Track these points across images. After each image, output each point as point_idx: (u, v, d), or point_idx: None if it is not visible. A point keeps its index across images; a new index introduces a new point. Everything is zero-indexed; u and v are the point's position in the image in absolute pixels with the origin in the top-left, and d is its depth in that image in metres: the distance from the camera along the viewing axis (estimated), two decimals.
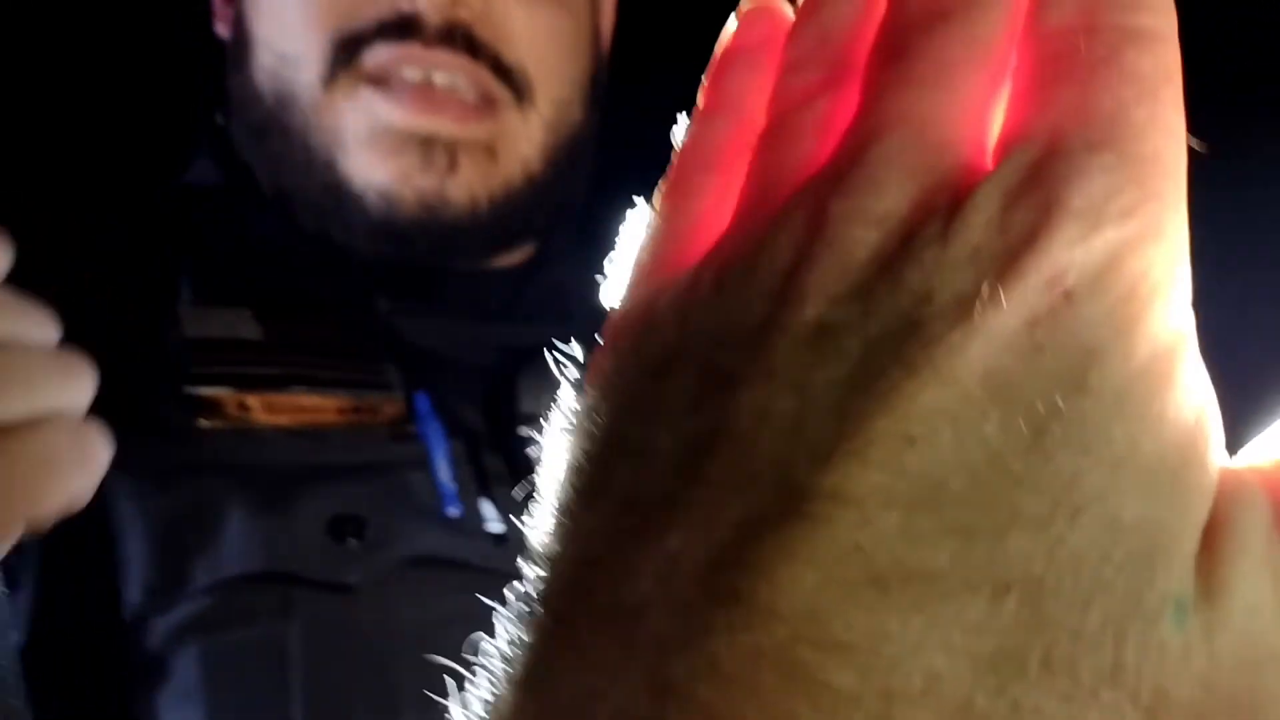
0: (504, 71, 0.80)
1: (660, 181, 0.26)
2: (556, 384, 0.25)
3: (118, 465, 0.68)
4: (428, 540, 0.71)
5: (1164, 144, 0.20)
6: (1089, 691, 0.18)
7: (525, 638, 0.21)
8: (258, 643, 0.66)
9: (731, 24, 0.26)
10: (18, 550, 0.66)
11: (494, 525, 0.73)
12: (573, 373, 0.25)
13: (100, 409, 0.70)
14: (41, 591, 0.66)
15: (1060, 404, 0.19)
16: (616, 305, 0.25)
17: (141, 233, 0.83)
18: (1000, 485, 0.18)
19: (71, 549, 0.67)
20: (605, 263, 0.25)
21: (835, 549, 0.18)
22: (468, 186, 0.79)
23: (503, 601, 0.23)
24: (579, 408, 0.24)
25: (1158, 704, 0.18)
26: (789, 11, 0.25)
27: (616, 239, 0.26)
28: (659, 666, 0.19)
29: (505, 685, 0.21)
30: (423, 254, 0.81)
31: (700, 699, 0.18)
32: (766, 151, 0.24)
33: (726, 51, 0.26)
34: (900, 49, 0.22)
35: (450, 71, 0.78)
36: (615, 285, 0.25)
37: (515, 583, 0.23)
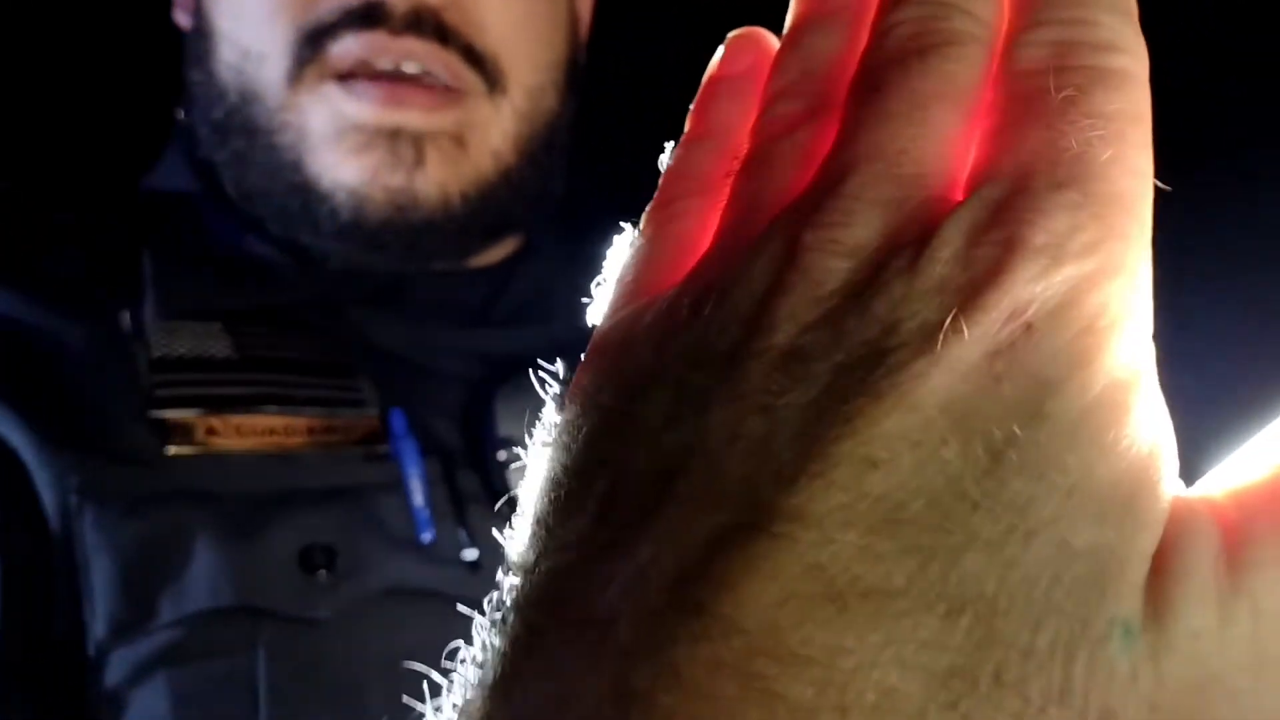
0: (475, 59, 0.80)
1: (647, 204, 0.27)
2: (534, 399, 0.26)
3: (84, 493, 0.69)
4: (400, 570, 0.72)
5: (1128, 183, 0.22)
6: (1038, 709, 0.20)
7: (497, 645, 0.23)
8: (226, 675, 0.67)
9: (719, 52, 0.28)
10: None
11: (468, 552, 0.74)
12: (554, 388, 0.26)
13: (66, 435, 0.71)
14: (5, 623, 0.66)
15: (1017, 432, 0.21)
16: (600, 324, 0.26)
17: (102, 243, 0.83)
18: (957, 508, 0.20)
19: (36, 580, 0.67)
20: (586, 261, 0.27)
21: (796, 566, 0.20)
22: (437, 181, 0.79)
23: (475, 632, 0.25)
24: (559, 423, 0.25)
25: None
26: (774, 41, 0.27)
27: (598, 236, 0.27)
28: (624, 674, 0.20)
29: (476, 690, 0.23)
30: (395, 256, 0.81)
31: (662, 707, 0.20)
32: (747, 179, 0.25)
33: (713, 78, 0.28)
34: (877, 84, 0.24)
35: (419, 60, 0.78)
36: (599, 305, 0.27)
37: (490, 594, 0.24)
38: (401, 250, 0.81)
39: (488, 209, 0.82)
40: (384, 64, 0.78)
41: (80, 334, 0.76)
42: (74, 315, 0.77)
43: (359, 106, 0.78)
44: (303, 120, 0.79)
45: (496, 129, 0.82)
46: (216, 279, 0.82)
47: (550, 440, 0.25)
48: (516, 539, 0.25)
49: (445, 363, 0.82)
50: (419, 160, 0.79)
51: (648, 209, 0.27)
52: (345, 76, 0.78)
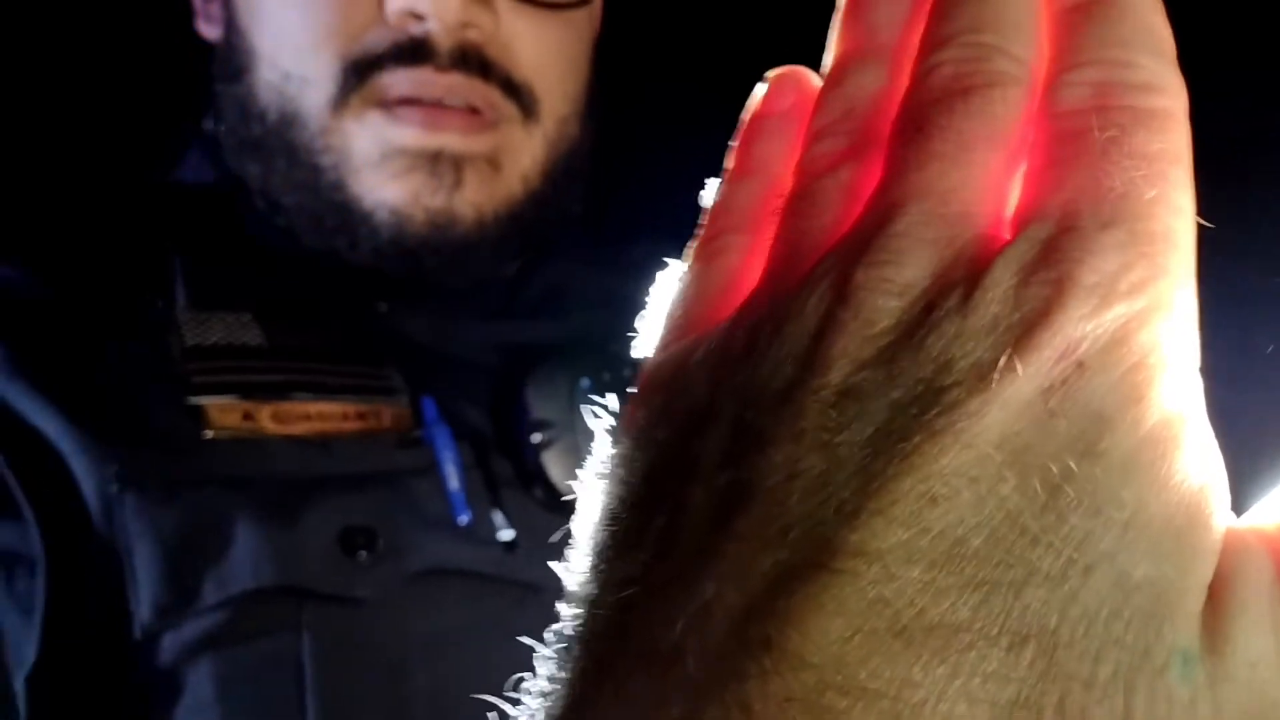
0: (513, 89, 0.82)
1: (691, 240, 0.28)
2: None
3: (123, 481, 0.69)
4: (438, 550, 0.73)
5: (1172, 222, 0.22)
6: None
7: (564, 676, 0.24)
8: (271, 656, 0.68)
9: (760, 89, 0.28)
10: (29, 569, 0.67)
11: (504, 533, 0.75)
12: (608, 420, 0.27)
13: (103, 424, 0.71)
14: (51, 610, 0.67)
15: (1073, 467, 0.21)
16: (650, 357, 0.27)
17: (133, 234, 0.84)
18: (1017, 543, 0.21)
19: (81, 567, 0.68)
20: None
21: (862, 601, 0.20)
22: (473, 202, 0.81)
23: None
24: (614, 456, 0.26)
25: None
26: (816, 79, 0.27)
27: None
28: (696, 709, 0.21)
29: None
30: (431, 271, 0.82)
31: None
32: (793, 216, 0.26)
33: (755, 116, 0.28)
34: (921, 124, 0.24)
35: (463, 95, 0.80)
36: (648, 338, 0.27)
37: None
38: (437, 267, 0.82)
39: (516, 229, 0.84)
40: (429, 97, 0.79)
41: (113, 324, 0.77)
42: (106, 305, 0.78)
43: (402, 131, 0.79)
44: (346, 144, 0.80)
45: (528, 154, 0.83)
46: (246, 271, 0.82)
47: (606, 473, 0.26)
48: (575, 570, 0.25)
49: (469, 353, 0.83)
50: (458, 182, 0.80)
51: (694, 244, 0.28)
52: (387, 105, 0.79)
